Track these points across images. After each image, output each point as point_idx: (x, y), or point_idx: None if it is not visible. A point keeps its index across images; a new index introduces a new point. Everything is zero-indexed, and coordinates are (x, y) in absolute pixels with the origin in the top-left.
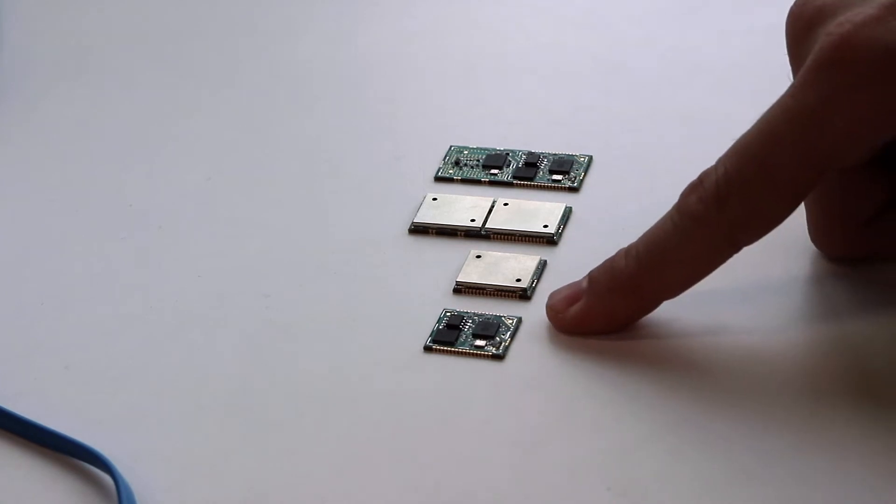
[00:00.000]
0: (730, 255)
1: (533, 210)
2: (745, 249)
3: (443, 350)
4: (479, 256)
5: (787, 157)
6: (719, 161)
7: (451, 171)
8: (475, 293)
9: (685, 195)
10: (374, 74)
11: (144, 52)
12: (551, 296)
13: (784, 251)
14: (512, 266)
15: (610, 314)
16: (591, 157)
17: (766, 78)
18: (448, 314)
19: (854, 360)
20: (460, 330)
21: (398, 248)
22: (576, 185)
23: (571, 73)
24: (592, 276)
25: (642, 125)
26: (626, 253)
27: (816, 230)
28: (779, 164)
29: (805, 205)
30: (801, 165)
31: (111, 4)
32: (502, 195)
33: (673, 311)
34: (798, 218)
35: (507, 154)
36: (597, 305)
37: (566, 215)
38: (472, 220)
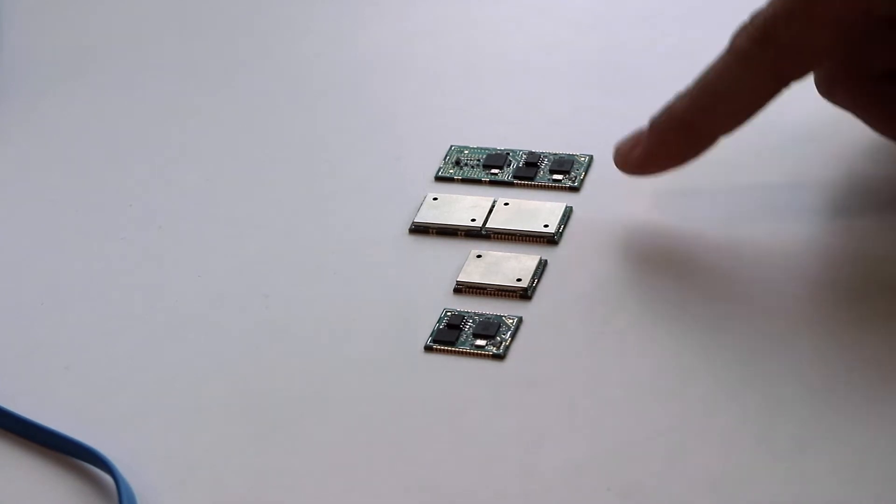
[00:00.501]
0: (777, 91)
1: (533, 210)
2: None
3: (443, 350)
4: (479, 256)
5: None
6: (768, 2)
7: (451, 171)
8: (476, 293)
9: (735, 35)
10: (374, 74)
11: (144, 53)
12: (617, 144)
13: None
14: (512, 266)
15: (670, 152)
16: (591, 157)
17: None
18: (448, 314)
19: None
20: (461, 330)
21: (398, 247)
22: (576, 184)
23: (571, 73)
24: (652, 119)
25: (643, 125)
26: (682, 94)
27: (822, 75)
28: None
29: None
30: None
31: (111, 4)
32: (503, 195)
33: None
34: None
35: (508, 154)
36: (657, 145)
37: (567, 215)
38: (473, 220)
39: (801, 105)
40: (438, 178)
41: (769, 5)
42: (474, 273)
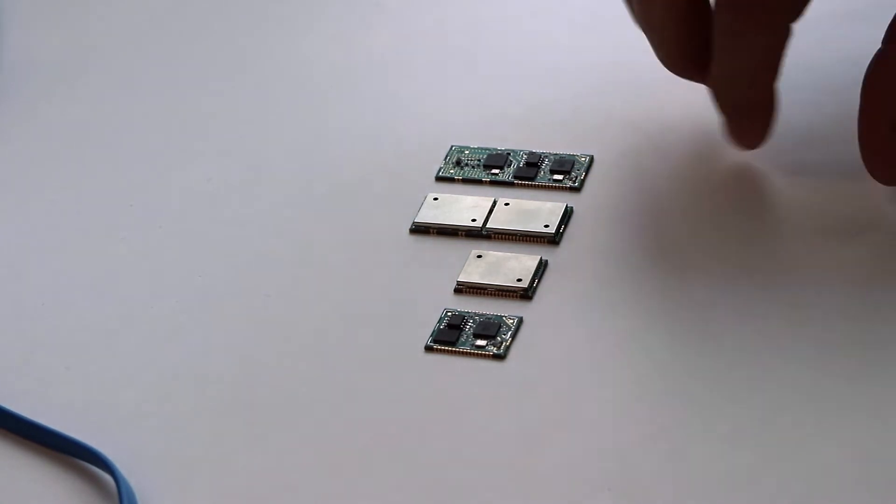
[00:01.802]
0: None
1: (534, 210)
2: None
3: (444, 350)
4: (480, 256)
5: None
6: None
7: (452, 171)
8: (476, 293)
9: None
10: (374, 74)
11: (144, 52)
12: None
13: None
14: (513, 266)
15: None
16: (592, 157)
17: None
18: (449, 314)
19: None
20: (461, 330)
21: (399, 248)
22: (577, 185)
23: (572, 73)
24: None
25: (643, 125)
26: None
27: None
28: None
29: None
30: None
31: (111, 5)
32: (503, 195)
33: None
34: None
35: (509, 154)
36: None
37: (567, 215)
38: (473, 220)
39: (801, 108)
40: (439, 178)
41: None
42: (475, 273)
